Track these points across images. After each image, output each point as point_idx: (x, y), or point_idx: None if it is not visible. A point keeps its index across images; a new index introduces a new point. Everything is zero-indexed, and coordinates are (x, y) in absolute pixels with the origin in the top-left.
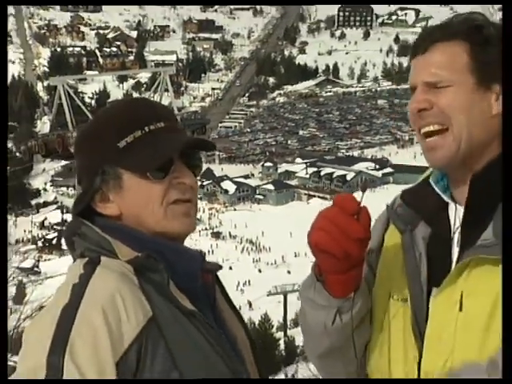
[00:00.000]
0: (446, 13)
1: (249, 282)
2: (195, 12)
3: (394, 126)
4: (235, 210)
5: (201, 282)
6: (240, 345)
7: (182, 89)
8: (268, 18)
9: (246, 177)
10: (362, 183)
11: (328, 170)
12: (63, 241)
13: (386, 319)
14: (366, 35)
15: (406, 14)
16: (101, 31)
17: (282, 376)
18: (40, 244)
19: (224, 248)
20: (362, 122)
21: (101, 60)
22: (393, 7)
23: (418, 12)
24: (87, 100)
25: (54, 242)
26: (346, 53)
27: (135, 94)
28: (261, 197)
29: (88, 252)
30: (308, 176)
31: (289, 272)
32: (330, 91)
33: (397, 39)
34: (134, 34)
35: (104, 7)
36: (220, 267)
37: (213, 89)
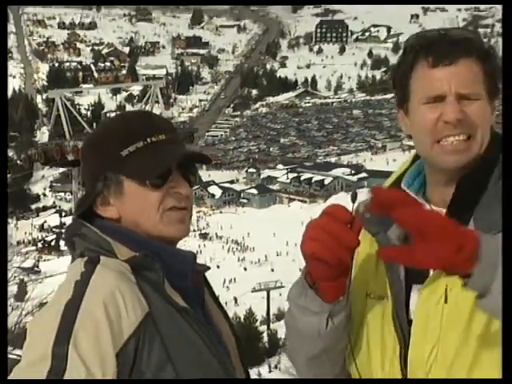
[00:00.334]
0: (416, 29)
1: (234, 279)
2: (183, 29)
3: (368, 134)
4: (221, 212)
5: (192, 281)
6: (225, 339)
7: (172, 100)
8: (251, 35)
9: (232, 182)
10: (351, 193)
11: (307, 175)
12: (62, 242)
13: (364, 317)
14: (342, 50)
15: (378, 30)
16: (95, 47)
17: (265, 366)
18: (40, 245)
19: (211, 248)
20: (339, 131)
21: (96, 74)
22: (366, 24)
23: (389, 28)
24: (83, 111)
25: (53, 243)
26: (324, 66)
27: (128, 106)
28: (245, 200)
29: (88, 252)
30: (289, 181)
31: (272, 270)
32: (309, 102)
33: (370, 54)
34: (127, 49)
35: (98, 24)
36: (208, 268)
37: (200, 100)
